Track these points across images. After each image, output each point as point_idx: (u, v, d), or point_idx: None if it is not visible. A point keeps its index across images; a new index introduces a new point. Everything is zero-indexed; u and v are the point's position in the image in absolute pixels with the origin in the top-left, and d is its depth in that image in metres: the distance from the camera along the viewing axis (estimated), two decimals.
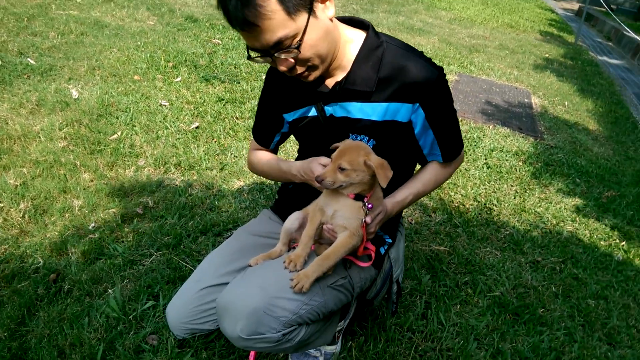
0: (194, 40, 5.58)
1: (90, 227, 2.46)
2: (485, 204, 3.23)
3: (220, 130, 3.66)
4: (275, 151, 1.87)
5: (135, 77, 4.32)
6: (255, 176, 3.14)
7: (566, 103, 5.76)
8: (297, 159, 1.86)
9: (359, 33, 1.50)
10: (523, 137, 4.49)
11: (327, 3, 1.33)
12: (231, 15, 1.25)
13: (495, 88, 5.89)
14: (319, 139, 1.59)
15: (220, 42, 5.64)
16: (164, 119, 3.69)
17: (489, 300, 2.34)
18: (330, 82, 1.50)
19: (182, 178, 3.02)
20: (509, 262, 2.67)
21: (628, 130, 5.16)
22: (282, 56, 1.32)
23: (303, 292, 1.38)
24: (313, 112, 1.57)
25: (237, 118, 3.93)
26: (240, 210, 2.76)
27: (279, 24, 1.23)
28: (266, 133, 1.79)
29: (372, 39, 1.46)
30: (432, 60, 1.49)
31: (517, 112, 5.13)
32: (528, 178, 3.71)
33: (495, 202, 3.29)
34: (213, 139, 3.54)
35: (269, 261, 1.54)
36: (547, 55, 8.34)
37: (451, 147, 1.60)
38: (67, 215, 2.53)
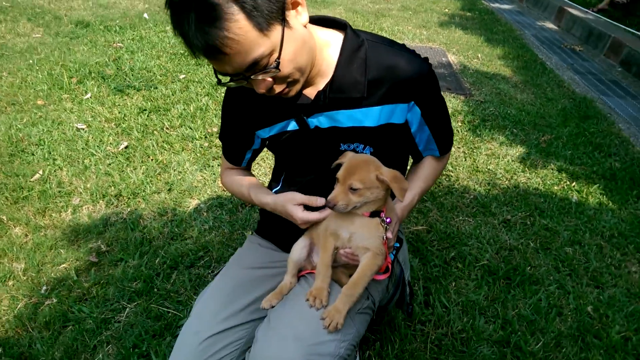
0: (92, 47, 4.97)
1: (43, 292, 2.10)
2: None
3: (153, 146, 3.31)
4: (248, 167, 1.71)
5: (39, 102, 3.75)
6: (210, 190, 2.88)
7: (479, 55, 6.00)
8: (274, 173, 1.68)
9: (335, 34, 1.35)
10: (454, 96, 4.60)
11: (299, 8, 1.16)
12: (192, 44, 1.05)
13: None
14: (302, 153, 1.44)
15: (121, 45, 5.08)
16: (85, 144, 3.25)
17: (479, 271, 2.37)
18: (311, 92, 1.34)
19: (128, 209, 2.68)
20: (483, 226, 2.72)
21: (539, 72, 5.49)
22: (260, 77, 1.14)
23: (338, 329, 1.25)
24: (293, 125, 1.40)
25: (167, 128, 3.58)
26: (206, 233, 2.52)
27: (251, 44, 1.05)
28: (236, 151, 1.62)
29: (351, 39, 1.31)
30: None
31: (440, 73, 5.24)
32: (471, 137, 3.81)
33: (450, 167, 3.33)
34: (149, 157, 3.19)
35: (288, 301, 1.37)
36: (446, 10, 8.62)
37: (446, 139, 1.52)
38: (10, 283, 2.14)
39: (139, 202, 2.76)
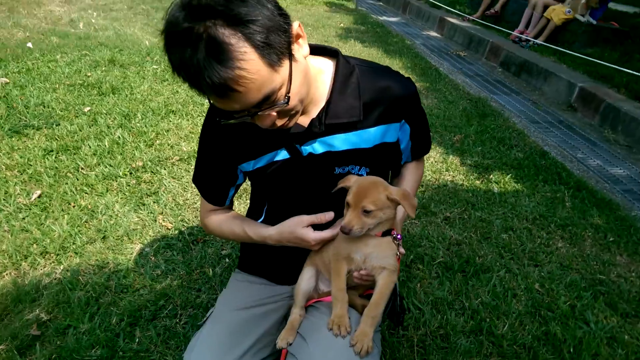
0: None
1: None
2: None
3: (71, 191, 2.98)
4: (231, 205, 1.63)
5: None
6: (152, 231, 2.67)
7: None
8: (253, 205, 1.63)
9: (326, 61, 1.37)
10: None
11: (300, 40, 1.16)
12: (202, 83, 1.00)
13: None
14: (293, 181, 1.41)
15: (7, 80, 4.51)
16: None
17: (438, 268, 2.51)
18: (303, 120, 1.33)
19: (61, 267, 2.37)
20: (429, 226, 2.88)
21: (436, 78, 6.00)
22: (267, 112, 1.12)
23: (369, 352, 1.24)
24: (284, 154, 1.38)
25: (82, 169, 3.24)
26: (160, 279, 2.33)
27: (264, 80, 1.03)
28: (219, 190, 1.53)
29: (343, 65, 1.34)
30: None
31: None
32: None
33: None
34: (69, 204, 2.86)
35: (310, 336, 1.32)
36: (342, 24, 9.03)
37: (426, 146, 1.59)
38: None
39: (71, 256, 2.46)
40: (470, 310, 2.23)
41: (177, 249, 2.55)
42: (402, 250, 1.34)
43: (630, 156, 4.24)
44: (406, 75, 1.43)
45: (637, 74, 4.90)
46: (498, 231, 2.86)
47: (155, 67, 5.31)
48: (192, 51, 0.95)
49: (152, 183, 3.16)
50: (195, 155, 1.83)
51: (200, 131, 1.50)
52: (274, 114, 1.14)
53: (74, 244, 2.53)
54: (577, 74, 5.80)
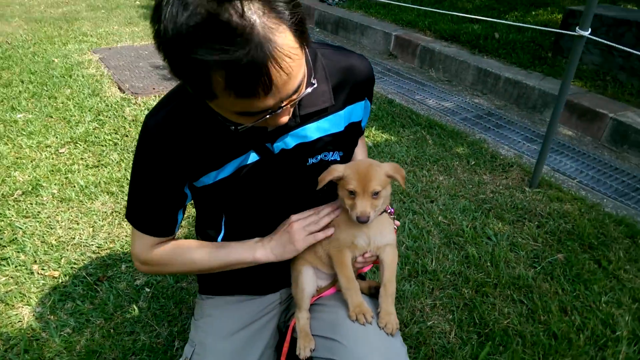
0: None
1: None
2: None
3: None
4: (174, 236, 1.40)
5: None
6: (35, 287, 2.15)
7: None
8: (207, 220, 1.43)
9: None
10: None
11: None
12: (246, 83, 0.85)
13: (142, 51, 5.54)
14: (263, 184, 1.29)
15: None
16: None
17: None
18: None
19: None
20: None
21: None
22: (289, 105, 1.00)
23: (397, 328, 1.26)
24: (253, 157, 1.24)
25: None
26: (74, 338, 1.92)
27: (300, 65, 0.93)
28: (167, 218, 1.30)
29: (307, 51, 1.22)
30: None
31: None
32: None
33: None
34: None
35: (336, 335, 1.26)
36: (137, 2, 8.25)
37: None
38: None
39: None
40: (401, 257, 2.41)
41: (79, 296, 2.12)
42: (397, 222, 1.36)
43: (453, 89, 4.96)
44: None
45: (432, 10, 5.65)
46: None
47: None
48: (244, 43, 0.81)
49: (1, 230, 2.51)
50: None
51: (135, 154, 1.23)
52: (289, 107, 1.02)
53: None
54: (387, 24, 6.43)
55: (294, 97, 0.97)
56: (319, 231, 1.30)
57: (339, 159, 1.34)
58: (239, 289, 1.47)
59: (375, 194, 1.20)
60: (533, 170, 3.11)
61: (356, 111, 1.35)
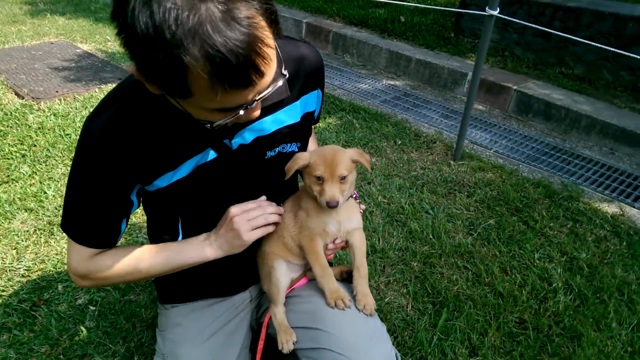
0: None
1: None
2: None
3: None
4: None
5: None
6: None
7: (108, 38, 5.59)
8: (161, 226, 1.32)
9: None
10: None
11: None
12: (239, 72, 0.80)
13: (35, 52, 4.94)
14: (221, 182, 1.22)
15: None
16: None
17: None
18: None
19: None
20: None
21: None
22: (262, 98, 0.94)
23: (375, 308, 1.26)
24: (211, 154, 1.16)
25: None
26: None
27: (275, 55, 0.89)
28: (110, 228, 1.17)
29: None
30: None
31: (91, 66, 4.64)
32: None
33: None
34: None
35: (321, 321, 1.22)
36: None
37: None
38: None
39: None
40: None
41: (15, 325, 1.86)
42: (362, 206, 1.36)
43: (369, 73, 5.08)
44: None
45: None
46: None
47: None
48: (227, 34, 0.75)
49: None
50: None
51: (74, 161, 1.08)
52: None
53: None
54: (296, 11, 6.41)
55: (269, 89, 0.92)
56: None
57: (297, 150, 1.30)
58: (205, 292, 1.38)
59: (343, 179, 1.18)
60: (455, 144, 3.29)
61: (310, 101, 1.32)
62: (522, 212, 2.71)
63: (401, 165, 3.19)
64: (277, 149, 1.25)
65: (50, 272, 2.12)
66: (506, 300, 2.09)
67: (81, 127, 1.06)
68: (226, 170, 1.19)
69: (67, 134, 3.26)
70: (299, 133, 1.30)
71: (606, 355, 1.84)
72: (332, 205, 1.16)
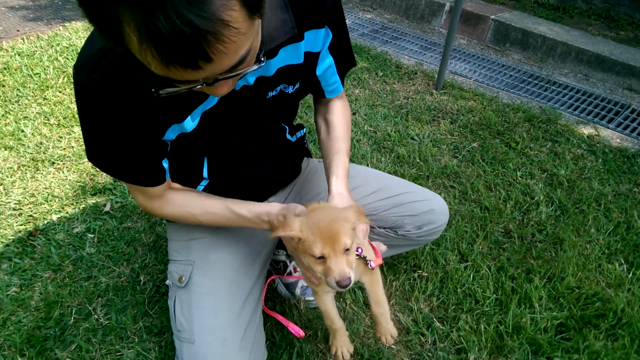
0: None
1: None
2: None
3: None
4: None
5: None
6: None
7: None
8: (187, 171, 1.33)
9: None
10: None
11: None
12: (166, 48, 0.68)
13: None
14: (228, 123, 1.21)
15: None
16: None
17: None
18: None
19: None
20: None
21: None
22: (231, 79, 0.86)
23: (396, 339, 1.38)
24: (213, 100, 1.12)
25: None
26: (25, 295, 1.68)
27: (243, 38, 0.76)
28: (156, 166, 1.19)
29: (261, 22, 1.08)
30: None
31: None
32: None
33: None
34: None
35: None
36: None
37: (351, 58, 1.41)
38: None
39: None
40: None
41: (15, 254, 1.86)
42: (383, 246, 1.41)
43: (344, 6, 4.94)
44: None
45: None
46: None
47: None
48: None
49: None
50: None
51: (86, 114, 1.04)
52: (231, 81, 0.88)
53: None
54: None
55: (234, 72, 0.82)
56: None
57: (298, 88, 1.27)
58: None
59: (347, 251, 1.03)
60: (437, 75, 3.31)
61: (316, 40, 1.21)
62: (504, 135, 2.80)
63: (384, 95, 3.19)
64: (278, 88, 1.22)
65: (42, 205, 2.09)
66: (492, 213, 2.20)
67: (72, 76, 0.98)
68: (229, 113, 1.17)
69: (37, 74, 3.09)
70: (299, 75, 1.24)
71: (586, 257, 1.99)
72: (344, 285, 1.01)
